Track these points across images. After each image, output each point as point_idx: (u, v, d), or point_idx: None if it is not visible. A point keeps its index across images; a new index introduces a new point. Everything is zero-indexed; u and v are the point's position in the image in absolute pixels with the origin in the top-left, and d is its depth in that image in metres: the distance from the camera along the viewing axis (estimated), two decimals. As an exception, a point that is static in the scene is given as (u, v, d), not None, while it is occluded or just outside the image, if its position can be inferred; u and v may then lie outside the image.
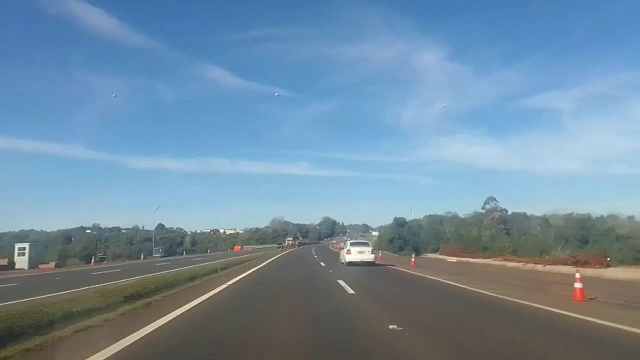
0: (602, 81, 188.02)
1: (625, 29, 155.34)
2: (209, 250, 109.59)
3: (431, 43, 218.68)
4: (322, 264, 32.74)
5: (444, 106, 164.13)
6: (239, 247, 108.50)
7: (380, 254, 46.17)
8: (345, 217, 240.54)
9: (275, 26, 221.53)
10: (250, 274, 22.29)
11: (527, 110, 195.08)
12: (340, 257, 32.24)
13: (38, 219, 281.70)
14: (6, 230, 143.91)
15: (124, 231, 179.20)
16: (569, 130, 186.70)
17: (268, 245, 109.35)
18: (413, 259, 35.71)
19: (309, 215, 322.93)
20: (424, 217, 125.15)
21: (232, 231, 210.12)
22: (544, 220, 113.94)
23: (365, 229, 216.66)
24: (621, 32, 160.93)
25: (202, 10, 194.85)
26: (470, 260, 38.23)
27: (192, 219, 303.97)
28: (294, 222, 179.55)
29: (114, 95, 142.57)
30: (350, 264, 28.73)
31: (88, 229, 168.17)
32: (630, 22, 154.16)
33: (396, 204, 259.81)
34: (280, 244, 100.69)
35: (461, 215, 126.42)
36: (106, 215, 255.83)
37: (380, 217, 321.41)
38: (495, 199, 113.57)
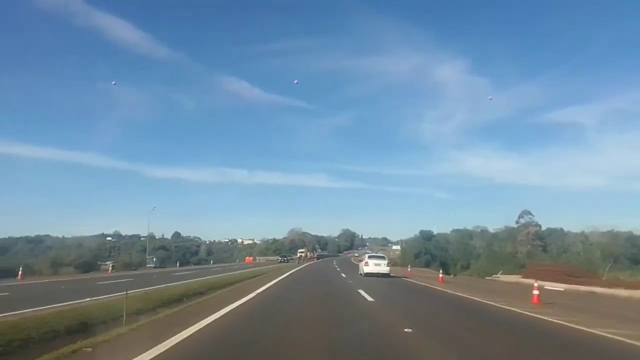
0: (624, 96, 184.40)
1: None
2: (211, 261, 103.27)
3: (449, 56, 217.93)
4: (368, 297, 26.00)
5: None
6: (251, 258, 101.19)
7: (409, 269, 48.87)
8: (364, 229, 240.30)
9: (294, 38, 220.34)
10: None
11: (547, 125, 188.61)
12: (359, 269, 35.47)
13: (60, 226, 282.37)
14: (22, 234, 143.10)
15: (143, 238, 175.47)
16: (591, 145, 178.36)
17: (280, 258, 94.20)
18: (440, 275, 32.85)
19: (327, 227, 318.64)
20: (451, 231, 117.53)
21: (249, 241, 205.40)
22: (584, 237, 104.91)
23: (385, 242, 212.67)
24: None
25: (222, 23, 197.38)
26: (594, 290, 23.97)
27: (210, 229, 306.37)
28: (312, 233, 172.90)
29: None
30: (368, 275, 31.62)
31: (109, 236, 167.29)
32: None
33: (415, 217, 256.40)
34: (285, 256, 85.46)
35: (491, 230, 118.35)
36: (127, 223, 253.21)
37: (399, 230, 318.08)
38: (530, 213, 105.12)
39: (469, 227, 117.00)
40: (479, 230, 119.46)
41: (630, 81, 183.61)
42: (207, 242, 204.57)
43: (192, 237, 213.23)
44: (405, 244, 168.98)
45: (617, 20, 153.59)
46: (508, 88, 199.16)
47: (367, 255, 37.63)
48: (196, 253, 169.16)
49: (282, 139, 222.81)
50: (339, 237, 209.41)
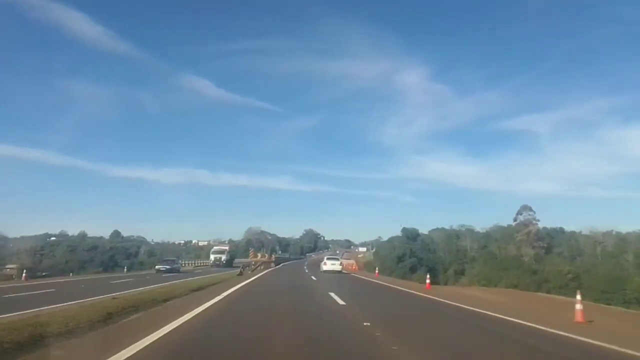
0: (579, 106, 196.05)
1: (602, 55, 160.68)
2: (125, 269, 79.99)
3: (414, 62, 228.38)
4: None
5: None
6: None
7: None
8: (327, 231, 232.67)
9: (261, 39, 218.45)
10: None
11: (506, 132, 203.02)
12: (320, 267, 43.50)
13: (11, 225, 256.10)
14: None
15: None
16: (545, 152, 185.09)
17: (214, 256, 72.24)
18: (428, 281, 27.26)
19: (290, 229, 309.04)
20: (430, 231, 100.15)
21: (205, 243, 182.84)
22: (588, 238, 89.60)
23: (348, 244, 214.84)
24: (598, 58, 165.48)
25: (187, 21, 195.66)
26: None
27: (168, 230, 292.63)
28: (272, 232, 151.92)
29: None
30: (325, 272, 39.31)
31: (53, 235, 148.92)
32: (608, 49, 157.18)
33: (378, 220, 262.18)
34: (220, 258, 67.63)
35: (478, 229, 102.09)
36: (76, 224, 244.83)
37: (362, 233, 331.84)
38: (531, 209, 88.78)
39: (457, 226, 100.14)
40: (464, 229, 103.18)
41: (582, 92, 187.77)
42: (152, 242, 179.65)
43: (135, 237, 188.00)
44: (378, 245, 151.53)
45: (573, 33, 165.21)
46: (469, 95, 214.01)
47: (326, 257, 45.91)
48: (135, 255, 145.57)
49: (246, 140, 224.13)
50: (301, 237, 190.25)
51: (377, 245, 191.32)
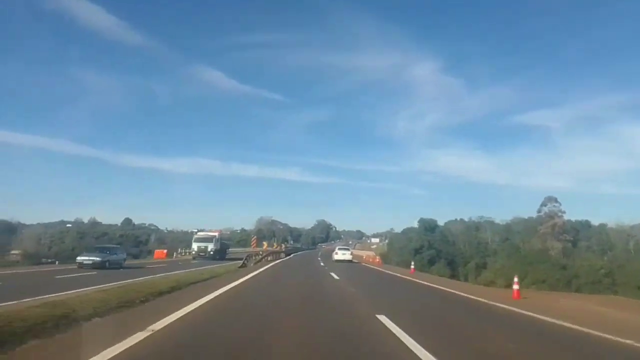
0: (591, 102, 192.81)
1: (614, 51, 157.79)
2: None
3: (426, 55, 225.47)
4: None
5: None
6: (164, 251, 61.20)
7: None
8: (339, 222, 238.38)
9: (272, 32, 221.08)
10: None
11: (518, 127, 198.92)
12: (332, 257, 44.31)
13: (30, 213, 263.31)
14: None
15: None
16: (558, 148, 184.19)
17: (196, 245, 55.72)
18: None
19: (301, 219, 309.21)
20: (445, 223, 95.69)
21: (216, 232, 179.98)
22: (617, 232, 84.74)
23: (359, 235, 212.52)
24: (611, 54, 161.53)
25: (199, 12, 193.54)
26: None
27: (181, 219, 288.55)
28: (284, 222, 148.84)
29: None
30: (337, 261, 40.23)
31: (69, 223, 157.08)
32: (620, 45, 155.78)
33: (389, 212, 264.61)
34: (206, 247, 51.31)
35: (497, 221, 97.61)
36: (91, 212, 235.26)
37: (374, 224, 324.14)
38: (556, 200, 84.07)
39: (476, 217, 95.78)
40: (482, 221, 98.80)
41: (595, 88, 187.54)
42: (165, 230, 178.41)
43: (146, 225, 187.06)
44: (391, 236, 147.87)
45: (586, 29, 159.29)
46: (481, 89, 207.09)
47: (337, 248, 49.42)
48: (146, 242, 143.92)
49: (257, 131, 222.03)
50: (313, 228, 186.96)
51: (390, 237, 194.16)
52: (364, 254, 61.54)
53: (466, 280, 62.14)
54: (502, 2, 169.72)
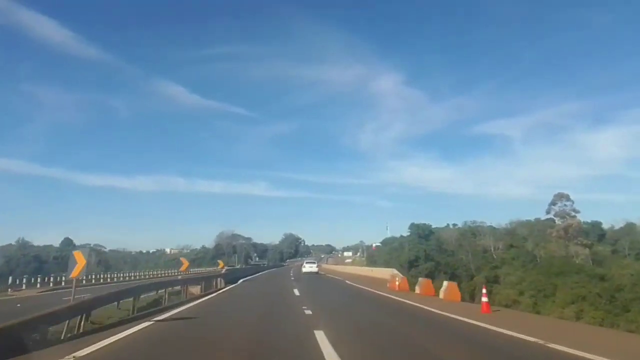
0: (549, 110, 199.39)
1: (570, 60, 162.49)
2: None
3: (388, 68, 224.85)
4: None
5: None
6: None
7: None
8: (307, 236, 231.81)
9: (236, 44, 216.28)
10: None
11: (479, 136, 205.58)
12: (301, 269, 50.21)
13: None
14: None
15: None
16: (519, 156, 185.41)
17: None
18: None
19: (269, 235, 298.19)
20: (445, 227, 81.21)
21: (176, 251, 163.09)
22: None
23: (329, 249, 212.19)
24: (566, 62, 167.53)
25: (160, 26, 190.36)
26: None
27: (142, 239, 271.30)
28: (246, 235, 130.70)
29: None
30: (305, 273, 44.33)
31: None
32: (576, 54, 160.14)
33: (358, 225, 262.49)
34: None
35: (495, 225, 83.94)
36: (45, 233, 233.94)
37: (343, 238, 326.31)
38: (568, 198, 70.97)
39: (471, 222, 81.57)
40: (476, 226, 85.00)
41: (552, 97, 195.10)
42: (107, 251, 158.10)
43: (91, 245, 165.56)
44: (368, 248, 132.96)
45: (542, 38, 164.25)
46: (443, 100, 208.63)
47: (305, 261, 58.33)
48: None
49: (222, 146, 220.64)
50: (281, 242, 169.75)
51: (365, 249, 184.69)
52: (379, 273, 46.26)
53: (472, 299, 47.17)
54: (460, 15, 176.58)
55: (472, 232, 78.76)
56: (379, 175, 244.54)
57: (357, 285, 22.55)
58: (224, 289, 19.76)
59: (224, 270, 25.69)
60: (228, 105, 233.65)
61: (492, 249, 68.76)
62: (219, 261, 35.40)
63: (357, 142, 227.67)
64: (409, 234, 67.19)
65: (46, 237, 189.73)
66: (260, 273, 51.16)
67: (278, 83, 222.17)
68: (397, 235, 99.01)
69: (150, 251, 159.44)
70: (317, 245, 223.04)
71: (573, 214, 70.90)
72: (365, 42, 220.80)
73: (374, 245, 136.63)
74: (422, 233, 65.28)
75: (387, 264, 70.31)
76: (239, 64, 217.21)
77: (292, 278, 31.39)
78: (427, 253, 60.49)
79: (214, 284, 19.51)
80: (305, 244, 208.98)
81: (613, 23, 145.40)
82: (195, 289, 17.29)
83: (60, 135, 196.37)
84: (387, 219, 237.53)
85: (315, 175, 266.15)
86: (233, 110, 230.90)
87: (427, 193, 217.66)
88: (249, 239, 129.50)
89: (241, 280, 28.10)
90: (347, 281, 28.25)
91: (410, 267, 59.01)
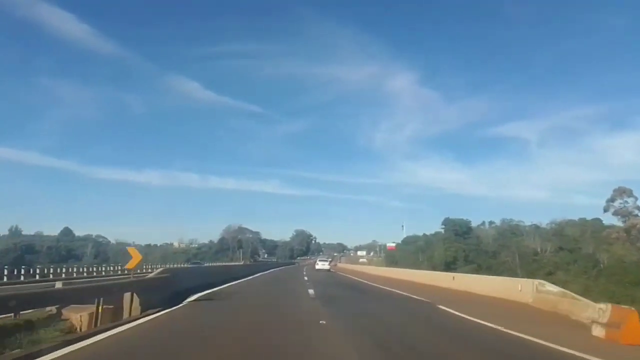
0: (566, 113, 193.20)
1: (589, 63, 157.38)
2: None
3: (403, 67, 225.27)
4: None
5: None
6: None
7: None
8: (319, 234, 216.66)
9: (251, 42, 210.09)
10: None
11: (494, 138, 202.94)
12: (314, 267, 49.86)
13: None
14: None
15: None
16: (534, 159, 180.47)
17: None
18: None
19: (280, 232, 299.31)
20: (482, 225, 70.69)
21: (184, 245, 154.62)
22: None
23: (341, 248, 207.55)
24: (584, 65, 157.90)
25: (176, 22, 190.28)
26: None
27: (149, 232, 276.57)
28: (255, 230, 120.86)
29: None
30: (317, 270, 45.25)
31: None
32: (594, 57, 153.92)
33: (370, 224, 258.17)
34: None
35: (530, 224, 73.14)
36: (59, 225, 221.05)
37: (355, 237, 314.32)
38: (631, 194, 59.87)
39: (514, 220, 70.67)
40: (513, 224, 74.29)
41: (569, 100, 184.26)
42: (113, 242, 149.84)
43: (93, 236, 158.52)
44: (382, 249, 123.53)
45: (561, 40, 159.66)
46: (458, 101, 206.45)
47: (318, 259, 59.49)
48: (78, 257, 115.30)
49: (235, 143, 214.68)
50: (292, 239, 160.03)
51: (373, 248, 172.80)
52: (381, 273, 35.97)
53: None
54: (477, 15, 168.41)
55: (512, 231, 68.03)
56: (392, 175, 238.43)
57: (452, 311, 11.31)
58: (138, 320, 8.40)
59: (153, 274, 12.33)
60: (242, 102, 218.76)
61: (540, 251, 58.13)
62: (129, 248, 18.51)
63: (370, 142, 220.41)
64: (442, 230, 56.79)
65: (51, 227, 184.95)
66: (263, 272, 36.65)
67: (292, 81, 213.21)
68: (419, 234, 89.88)
69: (158, 244, 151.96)
70: (328, 244, 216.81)
71: (636, 212, 59.97)
72: (379, 40, 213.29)
73: (388, 245, 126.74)
74: (459, 230, 54.89)
75: (416, 265, 60.33)
76: (254, 62, 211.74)
77: (311, 292, 15.44)
78: (466, 253, 50.15)
79: (125, 302, 8.91)
80: (317, 241, 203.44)
81: (632, 26, 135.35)
82: (79, 317, 7.66)
83: (75, 128, 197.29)
84: (400, 219, 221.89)
85: (327, 174, 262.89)
86: (247, 108, 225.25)
87: (441, 194, 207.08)
88: (256, 233, 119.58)
89: (198, 295, 13.23)
90: (400, 292, 17.01)
91: (446, 270, 48.78)
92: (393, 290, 17.80)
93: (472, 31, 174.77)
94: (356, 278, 30.00)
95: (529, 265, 50.98)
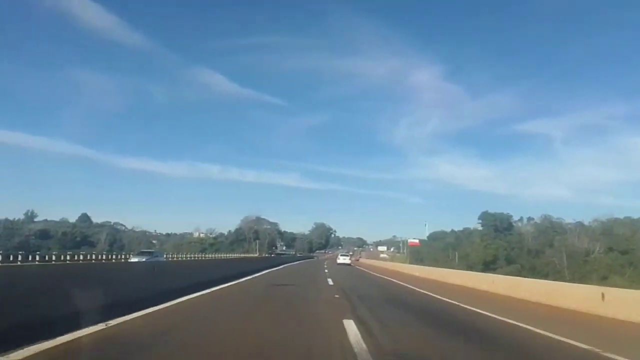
0: (593, 111, 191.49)
1: (617, 59, 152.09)
2: None
3: (426, 61, 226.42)
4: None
5: None
6: None
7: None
8: (338, 228, 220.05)
9: (274, 35, 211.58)
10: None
11: (517, 135, 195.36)
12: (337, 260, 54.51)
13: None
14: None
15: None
16: (559, 157, 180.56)
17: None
18: None
19: (298, 225, 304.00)
20: (519, 221, 64.54)
21: (203, 235, 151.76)
22: None
23: (361, 242, 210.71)
24: (613, 62, 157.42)
25: (201, 14, 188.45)
26: None
27: (171, 222, 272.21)
28: (273, 221, 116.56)
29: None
30: (339, 264, 48.15)
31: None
32: (622, 53, 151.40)
33: (389, 220, 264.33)
34: None
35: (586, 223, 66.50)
36: (73, 211, 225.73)
37: (374, 232, 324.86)
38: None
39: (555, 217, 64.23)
40: (556, 221, 67.88)
41: (597, 97, 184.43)
42: (130, 229, 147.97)
43: (111, 223, 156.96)
44: (402, 245, 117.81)
45: (589, 37, 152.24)
46: (481, 96, 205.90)
47: (340, 254, 67.87)
48: (92, 244, 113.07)
49: (257, 135, 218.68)
50: (311, 232, 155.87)
51: (394, 244, 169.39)
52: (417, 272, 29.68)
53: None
54: (503, 9, 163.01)
55: (554, 229, 61.75)
56: (413, 171, 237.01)
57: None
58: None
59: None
60: (264, 94, 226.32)
61: (589, 251, 51.89)
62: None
63: (391, 137, 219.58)
64: (479, 226, 51.05)
65: (70, 214, 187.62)
66: (272, 269, 29.61)
67: (314, 74, 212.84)
68: (440, 230, 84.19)
69: (177, 233, 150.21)
70: (347, 238, 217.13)
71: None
72: (403, 34, 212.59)
73: (410, 241, 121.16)
74: (499, 225, 49.07)
75: (444, 263, 54.82)
76: (277, 55, 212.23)
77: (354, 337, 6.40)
78: (507, 252, 44.47)
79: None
80: (336, 234, 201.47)
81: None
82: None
83: (100, 118, 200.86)
84: (420, 215, 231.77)
85: (347, 168, 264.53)
86: (269, 100, 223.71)
87: (462, 191, 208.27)
88: (274, 224, 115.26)
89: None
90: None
91: (485, 269, 43.20)
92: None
93: (499, 25, 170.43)
94: (395, 280, 23.27)
95: (580, 267, 44.97)
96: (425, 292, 15.97)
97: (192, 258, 45.84)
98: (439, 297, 14.37)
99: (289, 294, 12.95)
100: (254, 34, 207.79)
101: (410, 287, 18.44)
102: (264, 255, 71.23)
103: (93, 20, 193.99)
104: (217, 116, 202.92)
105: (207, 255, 58.27)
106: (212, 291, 11.96)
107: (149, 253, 36.19)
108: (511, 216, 53.37)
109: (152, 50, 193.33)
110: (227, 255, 63.71)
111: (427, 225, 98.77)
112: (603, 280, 43.17)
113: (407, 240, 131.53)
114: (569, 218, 69.54)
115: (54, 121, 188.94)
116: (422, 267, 34.62)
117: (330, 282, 19.05)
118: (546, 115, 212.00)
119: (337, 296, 12.23)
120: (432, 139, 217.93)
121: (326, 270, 30.45)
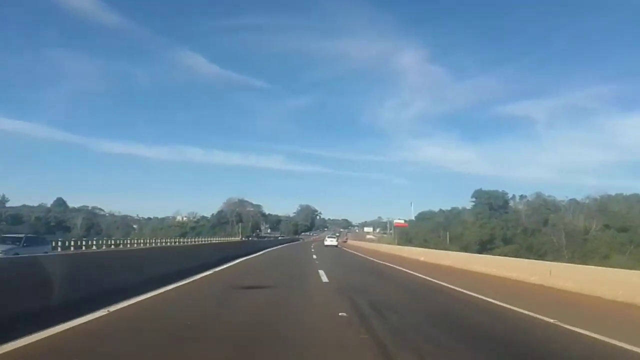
0: (577, 93, 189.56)
1: (601, 42, 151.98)
2: None
3: (412, 43, 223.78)
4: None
5: None
6: None
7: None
8: (324, 209, 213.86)
9: (257, 15, 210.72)
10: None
11: (502, 117, 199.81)
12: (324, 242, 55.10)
13: None
14: None
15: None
16: (543, 139, 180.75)
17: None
18: None
19: (283, 207, 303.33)
20: (511, 199, 62.22)
21: (185, 219, 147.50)
22: None
23: (346, 224, 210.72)
24: (597, 45, 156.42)
25: None
26: None
27: (157, 207, 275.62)
28: (256, 203, 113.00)
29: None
30: (326, 246, 49.15)
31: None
32: (607, 36, 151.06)
33: (374, 201, 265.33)
34: None
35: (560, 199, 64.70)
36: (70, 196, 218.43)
37: (360, 213, 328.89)
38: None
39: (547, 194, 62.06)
40: (549, 198, 65.86)
41: (581, 79, 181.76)
42: (107, 214, 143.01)
43: (89, 208, 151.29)
44: (388, 226, 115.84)
45: (572, 20, 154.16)
46: (466, 79, 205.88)
47: (327, 236, 64.09)
48: (67, 229, 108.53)
49: (240, 118, 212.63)
50: (297, 214, 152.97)
51: (379, 225, 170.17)
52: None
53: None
54: None
55: (547, 207, 59.59)
56: (398, 153, 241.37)
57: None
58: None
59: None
60: (248, 77, 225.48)
61: (592, 229, 49.82)
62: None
63: (376, 119, 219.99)
64: (473, 203, 48.39)
65: (46, 199, 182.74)
66: (253, 255, 25.94)
67: (298, 56, 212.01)
68: (427, 210, 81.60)
69: (160, 217, 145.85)
70: (333, 219, 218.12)
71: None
72: (389, 16, 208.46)
73: (395, 221, 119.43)
74: (493, 203, 46.45)
75: (436, 244, 52.26)
76: (260, 36, 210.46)
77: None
78: (504, 231, 41.95)
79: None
80: (322, 217, 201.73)
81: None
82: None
83: (80, 101, 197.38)
84: (405, 196, 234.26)
85: (332, 150, 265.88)
86: (252, 83, 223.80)
87: (446, 173, 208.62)
88: (258, 206, 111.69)
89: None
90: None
91: (481, 250, 40.66)
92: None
93: (484, 9, 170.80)
94: (408, 271, 17.48)
95: (579, 246, 42.74)
96: (486, 298, 9.53)
97: (158, 245, 39.99)
98: (504, 304, 10.49)
99: (256, 313, 7.26)
100: (237, 14, 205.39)
101: (451, 287, 11.70)
102: (242, 239, 67.76)
103: (73, 1, 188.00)
104: (201, 99, 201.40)
105: (183, 241, 54.21)
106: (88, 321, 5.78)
107: (13, 240, 19.19)
108: (506, 194, 51.04)
109: (134, 32, 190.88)
110: (195, 240, 58.84)
111: (412, 205, 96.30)
112: (605, 259, 40.94)
113: (393, 221, 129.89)
114: (561, 196, 67.86)
115: (33, 104, 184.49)
116: (427, 250, 31.51)
117: (323, 277, 13.44)
118: (530, 97, 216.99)
119: (342, 314, 6.87)
120: (418, 121, 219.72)
121: (314, 257, 26.22)
